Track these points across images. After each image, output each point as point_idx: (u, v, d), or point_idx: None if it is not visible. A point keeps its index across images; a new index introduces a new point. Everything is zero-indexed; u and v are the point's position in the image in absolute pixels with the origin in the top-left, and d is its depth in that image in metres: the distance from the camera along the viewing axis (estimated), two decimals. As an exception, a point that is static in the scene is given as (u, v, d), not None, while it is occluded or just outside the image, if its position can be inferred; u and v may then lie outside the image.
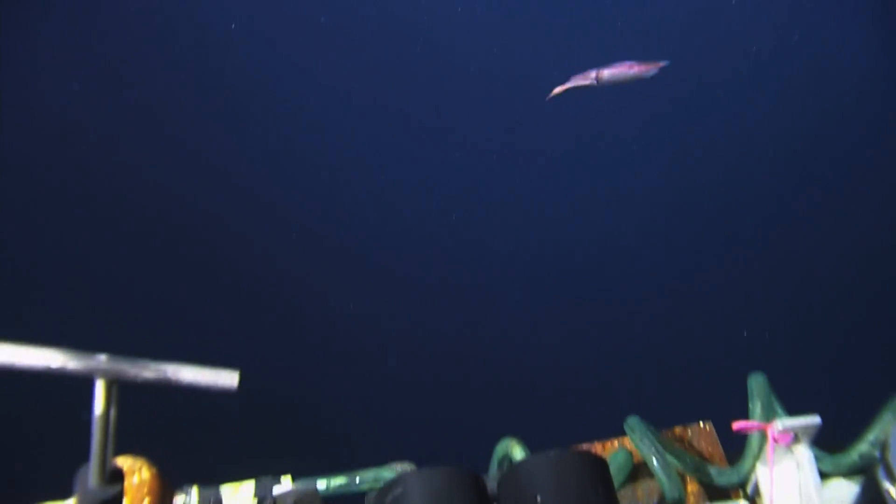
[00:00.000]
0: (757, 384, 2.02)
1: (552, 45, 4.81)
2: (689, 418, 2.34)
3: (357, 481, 2.01)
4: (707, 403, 2.55)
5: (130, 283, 4.35)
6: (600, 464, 1.50)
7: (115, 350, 1.31)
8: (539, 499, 1.40)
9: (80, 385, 1.31)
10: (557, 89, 3.84)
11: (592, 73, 3.77)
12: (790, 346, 4.16)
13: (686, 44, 4.75)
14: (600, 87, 3.91)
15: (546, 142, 4.81)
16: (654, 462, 1.98)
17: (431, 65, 4.90)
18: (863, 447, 1.96)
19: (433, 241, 4.62)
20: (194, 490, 1.89)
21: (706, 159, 4.68)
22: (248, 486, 1.91)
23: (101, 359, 1.28)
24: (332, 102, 4.79)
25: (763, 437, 1.94)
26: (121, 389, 1.30)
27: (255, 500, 1.88)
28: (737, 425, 1.94)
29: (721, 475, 2.05)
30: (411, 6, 5.00)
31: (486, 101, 4.85)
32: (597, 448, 2.27)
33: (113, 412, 1.28)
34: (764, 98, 4.76)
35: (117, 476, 1.33)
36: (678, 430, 2.30)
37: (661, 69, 3.98)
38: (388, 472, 2.02)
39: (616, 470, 2.07)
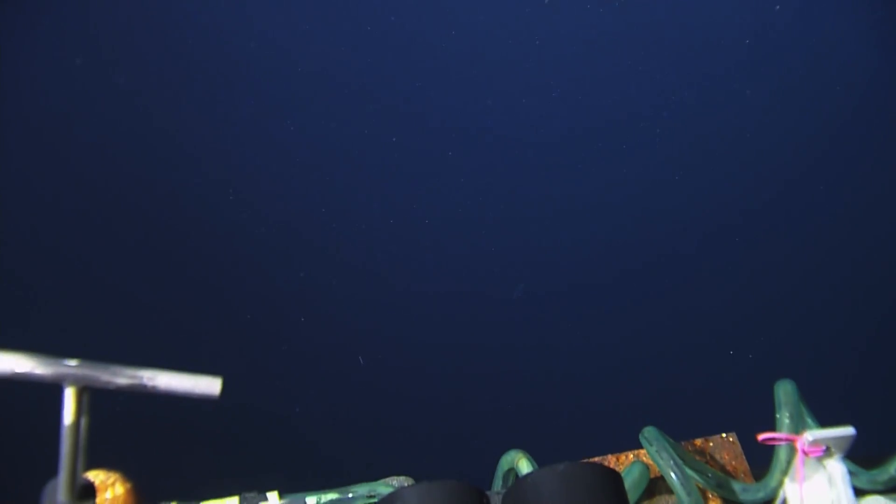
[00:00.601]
0: (785, 392, 2.02)
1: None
2: (711, 429, 2.34)
3: (350, 497, 2.01)
4: (730, 413, 2.55)
5: (108, 287, 4.36)
6: (614, 478, 1.50)
7: (91, 357, 1.30)
8: (547, 516, 1.40)
9: (48, 391, 1.31)
10: None
11: None
12: (821, 351, 4.16)
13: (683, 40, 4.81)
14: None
15: (553, 134, 4.84)
16: (673, 476, 1.97)
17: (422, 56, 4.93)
18: (901, 461, 1.96)
19: (433, 246, 4.63)
20: (173, 507, 1.89)
21: (724, 158, 4.72)
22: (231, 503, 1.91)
23: (71, 364, 1.28)
24: (316, 102, 4.81)
25: (792, 449, 1.94)
26: (93, 397, 1.30)
27: (239, 518, 1.88)
28: (763, 437, 1.94)
29: (746, 491, 2.05)
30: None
31: (480, 97, 4.88)
32: (610, 461, 2.27)
33: (84, 422, 1.28)
34: (770, 102, 4.81)
35: (88, 492, 1.33)
36: (699, 441, 2.30)
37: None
38: (384, 487, 2.02)
39: (631, 485, 2.07)
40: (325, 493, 2.02)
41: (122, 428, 2.92)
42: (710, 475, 2.06)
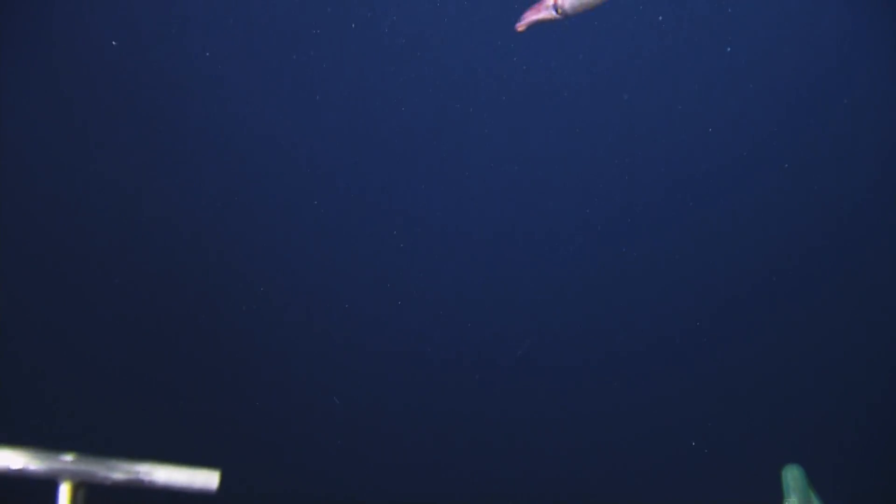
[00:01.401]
0: (793, 477, 1.99)
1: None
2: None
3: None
4: (736, 497, 2.50)
5: (105, 377, 4.33)
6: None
7: (86, 450, 1.28)
8: None
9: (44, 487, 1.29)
10: (522, 24, 3.34)
11: (550, 1, 3.30)
12: (830, 435, 4.11)
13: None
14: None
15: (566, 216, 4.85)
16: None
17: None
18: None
19: (436, 310, 4.62)
20: None
21: (731, 251, 4.72)
22: None
23: (67, 459, 1.25)
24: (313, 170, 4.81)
25: (802, 537, 1.90)
26: (89, 491, 1.27)
27: None
28: (772, 525, 1.90)
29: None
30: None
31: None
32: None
33: (79, 519, 1.25)
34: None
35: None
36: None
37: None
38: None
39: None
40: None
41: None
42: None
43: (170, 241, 4.61)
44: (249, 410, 4.44)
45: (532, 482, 4.23)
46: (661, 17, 4.68)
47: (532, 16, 3.31)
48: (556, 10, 3.25)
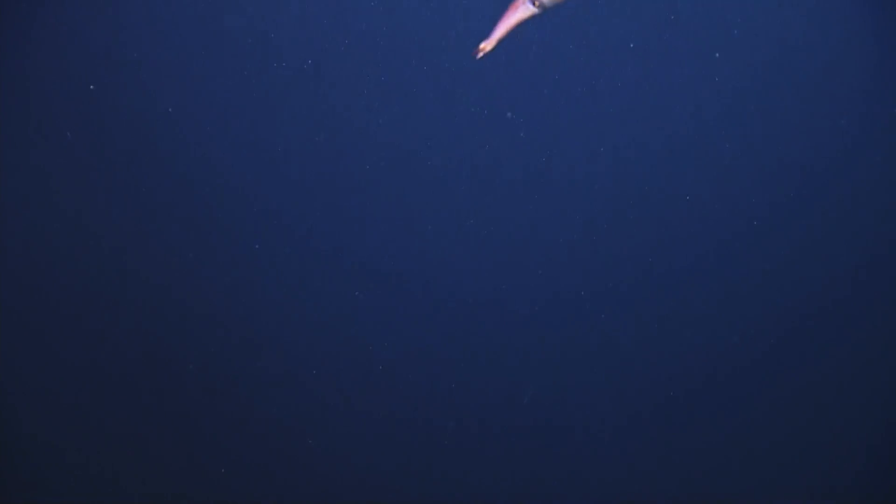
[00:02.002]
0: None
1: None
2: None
3: None
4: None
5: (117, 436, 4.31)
6: None
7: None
8: None
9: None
10: (486, 44, 3.17)
11: None
12: (839, 491, 4.04)
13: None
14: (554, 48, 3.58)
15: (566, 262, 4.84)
16: None
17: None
18: None
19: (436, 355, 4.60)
20: None
21: (737, 298, 4.69)
22: None
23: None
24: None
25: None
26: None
27: None
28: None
29: None
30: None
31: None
32: None
33: None
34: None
35: None
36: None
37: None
38: None
39: None
40: None
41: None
42: None
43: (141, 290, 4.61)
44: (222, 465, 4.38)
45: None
46: (632, 45, 4.71)
47: (510, 18, 3.13)
48: (534, 3, 3.10)
